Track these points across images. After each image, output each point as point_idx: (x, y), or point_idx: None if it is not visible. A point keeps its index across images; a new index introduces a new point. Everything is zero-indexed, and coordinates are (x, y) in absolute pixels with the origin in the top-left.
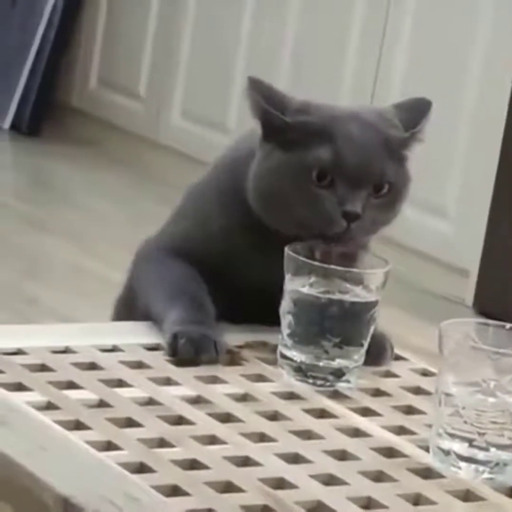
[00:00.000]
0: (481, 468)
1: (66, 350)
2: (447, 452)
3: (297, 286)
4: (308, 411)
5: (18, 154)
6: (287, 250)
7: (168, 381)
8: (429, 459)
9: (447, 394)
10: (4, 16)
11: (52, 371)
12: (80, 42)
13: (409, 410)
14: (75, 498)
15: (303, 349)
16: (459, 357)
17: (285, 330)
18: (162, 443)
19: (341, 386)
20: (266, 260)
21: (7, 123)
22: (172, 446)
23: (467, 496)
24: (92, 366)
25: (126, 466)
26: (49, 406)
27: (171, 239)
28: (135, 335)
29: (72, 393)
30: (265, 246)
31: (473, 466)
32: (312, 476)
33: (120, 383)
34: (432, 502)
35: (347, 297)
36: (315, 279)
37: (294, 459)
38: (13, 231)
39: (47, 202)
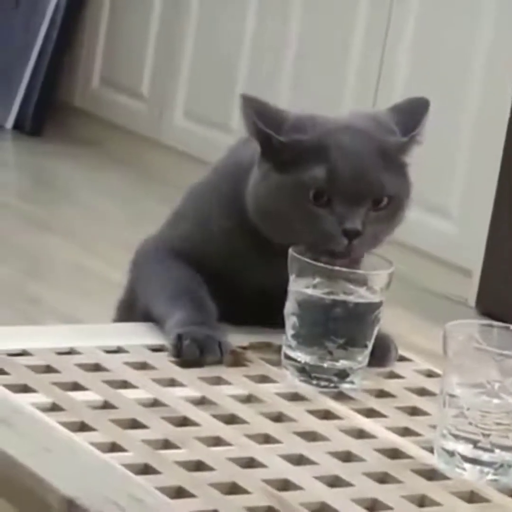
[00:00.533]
0: (485, 469)
1: (70, 351)
2: (451, 454)
3: (301, 287)
4: (312, 412)
5: (21, 153)
6: (291, 251)
7: (172, 382)
8: (433, 461)
9: (452, 395)
10: (7, 16)
11: (57, 372)
12: (82, 42)
13: (414, 411)
14: (79, 499)
15: (307, 350)
16: (464, 358)
17: (289, 331)
18: (167, 444)
19: (345, 387)
20: (266, 262)
21: (9, 123)
22: (176, 447)
23: (472, 497)
24: (97, 367)
25: (131, 467)
26: (54, 408)
27: (171, 240)
28: (139, 336)
29: (77, 395)
30: (265, 249)
31: (477, 467)
32: (316, 478)
33: (125, 384)
34: (436, 504)
35: (351, 298)
36: (319, 280)
37: (299, 460)
38: (15, 231)
39: (49, 201)
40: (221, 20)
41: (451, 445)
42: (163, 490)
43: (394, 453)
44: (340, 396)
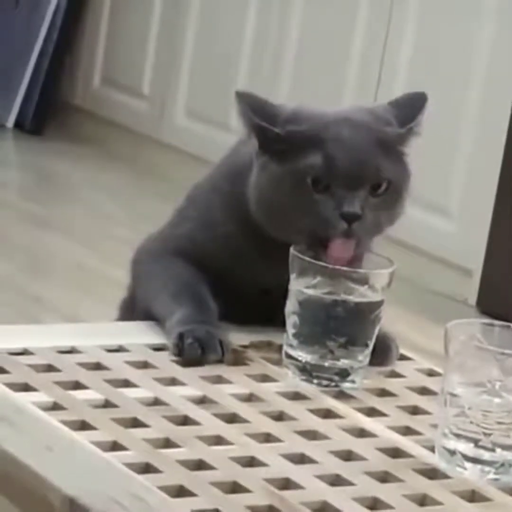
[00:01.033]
0: (486, 468)
1: (72, 350)
2: (452, 453)
3: (302, 286)
4: (313, 411)
5: (22, 152)
6: (292, 250)
7: (173, 381)
8: (434, 460)
9: (453, 395)
10: (8, 16)
11: (58, 371)
12: (83, 41)
13: (415, 411)
14: (80, 498)
15: (308, 349)
16: (465, 357)
17: (290, 330)
18: (168, 443)
19: (346, 386)
20: (267, 262)
21: (10, 122)
22: (177, 446)
23: (473, 496)
24: (98, 366)
25: (132, 466)
26: (55, 406)
27: (173, 240)
28: (140, 335)
29: (78, 393)
30: (267, 249)
31: (478, 466)
32: (317, 477)
33: (126, 383)
34: (437, 503)
35: (352, 297)
36: (320, 279)
37: (300, 459)
38: (16, 229)
39: (50, 200)
40: (221, 19)
41: (452, 444)
42: (164, 489)
43: (395, 452)
44: (341, 395)
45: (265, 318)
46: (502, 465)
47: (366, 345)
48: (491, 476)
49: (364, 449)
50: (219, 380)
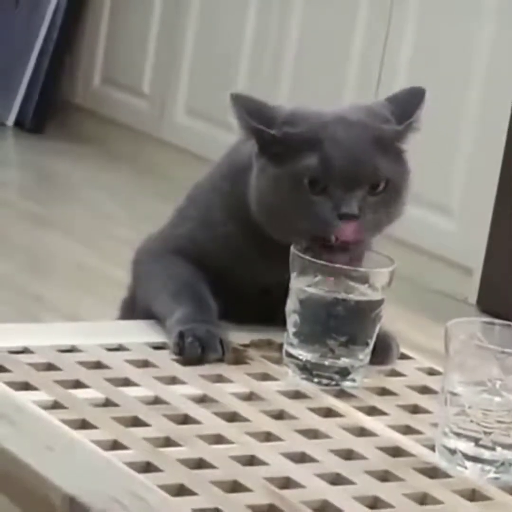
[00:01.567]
0: (487, 467)
1: (72, 349)
2: (453, 452)
3: (302, 285)
4: (313, 410)
5: (22, 151)
6: (292, 249)
7: (174, 380)
8: (435, 459)
9: (453, 393)
10: (8, 15)
11: (58, 370)
12: (83, 40)
13: (415, 409)
14: (81, 497)
15: (309, 348)
16: (465, 356)
17: (290, 329)
18: (168, 442)
19: (346, 385)
20: (268, 262)
21: (11, 120)
22: (178, 445)
23: (473, 495)
24: (98, 365)
25: (132, 465)
26: (55, 405)
27: (173, 239)
28: (141, 334)
29: (78, 392)
30: (267, 249)
31: (479, 465)
32: (318, 475)
33: (126, 382)
34: (438, 502)
35: (353, 296)
36: (320, 278)
37: (300, 458)
38: (16, 228)
39: (51, 199)
40: (222, 18)
41: (453, 443)
42: (165, 488)
43: (396, 451)
44: (342, 394)
45: (266, 317)
46: (503, 464)
47: (367, 344)
48: (492, 475)
49: (364, 448)
50: (219, 379)
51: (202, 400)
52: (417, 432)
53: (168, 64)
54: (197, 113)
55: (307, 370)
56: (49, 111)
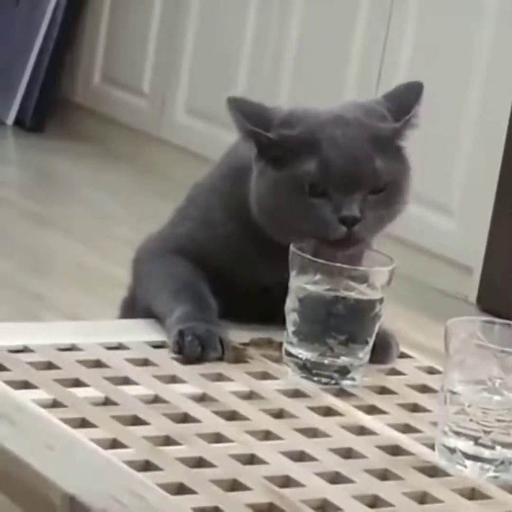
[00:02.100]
0: (486, 466)
1: (72, 348)
2: (452, 450)
3: (302, 283)
4: (313, 409)
5: (22, 150)
6: (292, 247)
7: (173, 379)
8: (434, 457)
9: (453, 392)
10: (8, 14)
11: (58, 369)
12: (83, 39)
13: (415, 408)
14: (80, 496)
15: (308, 346)
16: (465, 355)
17: (290, 327)
18: (168, 441)
19: (346, 384)
20: (268, 262)
21: (10, 119)
22: (177, 444)
23: (473, 494)
24: (98, 364)
25: (132, 464)
26: (55, 404)
27: (173, 239)
28: (140, 333)
29: (78, 391)
30: (267, 248)
31: (478, 464)
32: (317, 474)
33: (126, 381)
34: (437, 500)
35: (352, 295)
36: (320, 277)
37: (300, 457)
38: (16, 227)
39: (51, 198)
40: (222, 17)
41: (452, 442)
42: (164, 486)
43: (395, 450)
44: (341, 393)
45: (266, 316)
46: (502, 463)
47: (366, 343)
48: (491, 473)
49: (364, 446)
50: (219, 377)
51: (202, 399)
52: (417, 431)
53: (168, 63)
54: (197, 113)
55: (307, 369)
56: (49, 110)
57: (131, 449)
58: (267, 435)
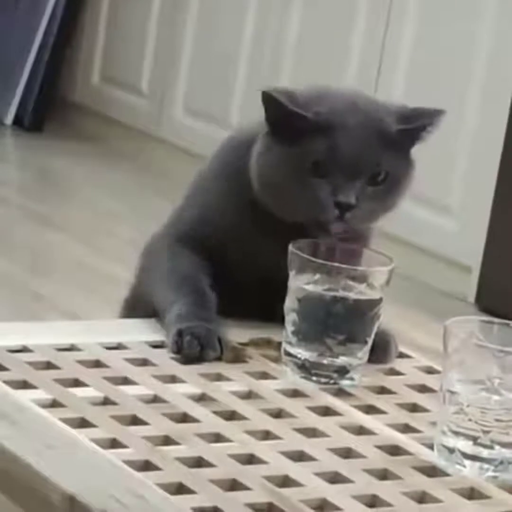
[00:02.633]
0: (485, 466)
1: (71, 348)
2: (451, 450)
3: (301, 283)
4: (312, 408)
5: (21, 149)
6: (290, 247)
7: (173, 379)
8: (433, 457)
9: (452, 392)
10: (7, 13)
11: (57, 369)
12: (82, 38)
13: (414, 408)
14: (80, 496)
15: (307, 346)
16: (464, 355)
17: (289, 327)
18: (167, 440)
19: (345, 383)
20: (269, 243)
21: (9, 119)
22: (177, 443)
23: (472, 494)
24: (97, 364)
25: (131, 464)
26: (54, 404)
27: (178, 227)
28: (140, 333)
29: (77, 391)
30: (269, 229)
31: (477, 464)
32: (317, 474)
33: (125, 381)
34: (436, 500)
35: (351, 295)
36: (319, 277)
37: (299, 456)
38: (16, 226)
39: (50, 197)
40: (221, 16)
41: (451, 441)
42: (164, 486)
43: (394, 450)
44: (340, 393)
45: (265, 311)
46: (501, 462)
47: (365, 343)
48: (490, 473)
49: (363, 446)
50: (218, 377)
51: (201, 398)
52: (416, 430)
53: (167, 63)
54: (196, 112)
55: (306, 368)
56: (48, 109)
57: (130, 449)
58: (266, 435)
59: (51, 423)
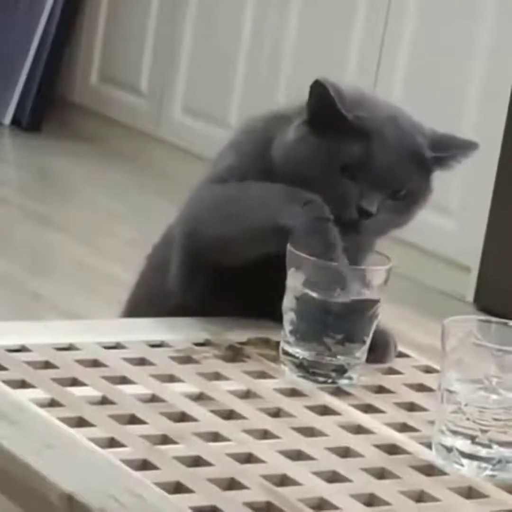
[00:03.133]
0: (483, 465)
1: (69, 347)
2: (449, 449)
3: (298, 282)
4: (310, 408)
5: (19, 149)
6: (289, 247)
7: (171, 378)
8: (431, 456)
9: (450, 391)
10: (6, 13)
11: (56, 368)
12: (81, 38)
13: (412, 407)
14: (78, 495)
15: (305, 346)
16: (462, 354)
17: (287, 327)
18: (165, 439)
19: (343, 383)
20: None
21: (7, 119)
22: (175, 443)
23: (470, 493)
24: (96, 363)
25: (130, 463)
26: (53, 403)
27: (210, 179)
28: (138, 332)
29: (76, 390)
30: None
31: (475, 463)
32: (315, 473)
33: (124, 380)
34: (434, 499)
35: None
36: (317, 276)
37: (297, 456)
38: (14, 226)
39: (48, 197)
40: (220, 16)
41: (449, 440)
42: (162, 485)
43: (392, 449)
44: (338, 392)
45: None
46: (499, 461)
47: (363, 342)
48: (488, 472)
49: (361, 445)
50: (216, 376)
51: (199, 397)
52: (414, 429)
53: (166, 62)
54: (195, 111)
55: (304, 368)
56: (46, 109)
57: (128, 448)
58: (264, 434)
59: (50, 422)
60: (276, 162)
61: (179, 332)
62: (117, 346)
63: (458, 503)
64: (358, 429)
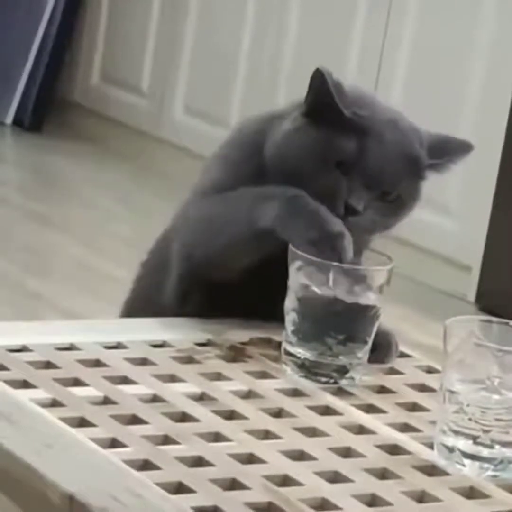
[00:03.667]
0: (485, 465)
1: (71, 347)
2: (451, 449)
3: (301, 282)
4: (312, 408)
5: (20, 149)
6: (290, 247)
7: (172, 378)
8: (433, 456)
9: (452, 391)
10: (7, 13)
11: (57, 368)
12: (82, 38)
13: (414, 407)
14: (80, 495)
15: (307, 346)
16: (464, 354)
17: (289, 327)
18: (167, 440)
19: (345, 383)
20: None
21: (9, 119)
22: (176, 443)
23: (472, 493)
24: (97, 363)
25: (131, 463)
26: (54, 403)
27: (198, 192)
28: (139, 332)
29: (77, 390)
30: None
31: (477, 463)
32: (316, 473)
33: (125, 380)
34: (436, 499)
35: (352, 295)
36: (319, 276)
37: (299, 456)
38: (15, 226)
39: (49, 197)
40: (221, 16)
41: (451, 441)
42: (163, 485)
43: (394, 449)
44: (340, 392)
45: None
46: (501, 461)
47: (365, 342)
48: (490, 472)
49: (363, 446)
50: (218, 377)
51: (201, 398)
52: (416, 430)
53: (167, 63)
54: (196, 111)
55: (306, 368)
56: (48, 109)
57: (130, 448)
58: (266, 434)
59: (51, 422)
60: (269, 155)
61: (180, 332)
62: (118, 346)
63: (460, 504)
64: (360, 429)
